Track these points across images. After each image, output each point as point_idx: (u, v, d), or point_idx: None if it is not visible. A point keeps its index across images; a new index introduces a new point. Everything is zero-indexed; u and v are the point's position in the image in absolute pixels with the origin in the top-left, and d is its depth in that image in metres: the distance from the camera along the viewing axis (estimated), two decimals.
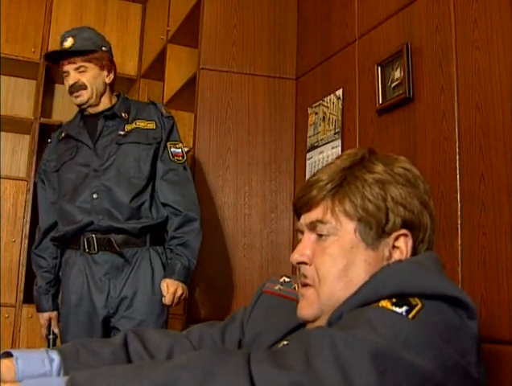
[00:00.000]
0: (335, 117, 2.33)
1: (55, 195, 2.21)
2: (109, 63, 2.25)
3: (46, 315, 2.20)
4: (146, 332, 1.10)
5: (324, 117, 2.41)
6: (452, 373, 0.79)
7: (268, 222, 2.59)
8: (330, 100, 2.38)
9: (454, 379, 0.79)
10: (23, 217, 3.23)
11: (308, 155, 2.50)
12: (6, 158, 3.50)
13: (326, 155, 2.36)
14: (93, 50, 2.18)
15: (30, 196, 3.26)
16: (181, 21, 2.97)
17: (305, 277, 0.98)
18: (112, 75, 2.25)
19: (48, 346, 2.20)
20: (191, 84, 2.76)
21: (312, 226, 0.98)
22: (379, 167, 0.97)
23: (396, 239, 0.95)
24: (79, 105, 2.22)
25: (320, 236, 0.97)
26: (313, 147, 2.47)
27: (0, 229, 3.18)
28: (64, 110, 3.66)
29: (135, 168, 2.13)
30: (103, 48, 2.23)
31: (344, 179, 0.96)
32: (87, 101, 2.19)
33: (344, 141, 2.25)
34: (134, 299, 2.04)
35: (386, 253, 0.95)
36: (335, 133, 2.31)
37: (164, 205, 2.14)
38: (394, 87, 1.97)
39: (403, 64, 1.91)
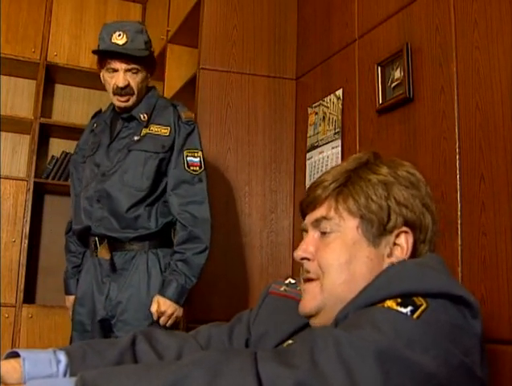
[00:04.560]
0: (335, 117, 2.33)
1: (80, 187, 2.18)
2: (153, 67, 2.15)
3: (71, 298, 2.20)
4: (154, 333, 1.11)
5: (324, 117, 2.41)
6: (457, 372, 0.79)
7: (268, 222, 2.59)
8: (330, 100, 2.38)
9: (458, 378, 0.80)
10: (23, 217, 3.23)
11: (308, 155, 2.50)
12: (6, 158, 3.50)
13: (326, 155, 2.36)
14: (148, 54, 2.08)
15: (30, 196, 3.27)
16: (181, 21, 2.97)
17: (308, 271, 0.99)
18: (150, 78, 2.17)
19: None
20: (191, 84, 2.76)
21: (316, 223, 1.00)
22: (384, 170, 0.99)
23: (397, 236, 0.97)
24: (118, 107, 2.12)
25: (324, 233, 0.99)
26: (313, 147, 2.47)
27: (0, 229, 3.18)
28: (63, 110, 3.67)
29: (137, 177, 2.04)
30: (151, 50, 2.13)
31: (349, 179, 0.99)
32: (129, 106, 2.09)
33: (344, 141, 2.25)
34: (128, 304, 2.00)
35: (388, 251, 0.96)
36: (335, 133, 2.31)
37: (175, 218, 2.06)
38: (394, 87, 1.97)
39: (403, 64, 1.91)
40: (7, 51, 3.36)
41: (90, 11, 3.63)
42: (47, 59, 3.45)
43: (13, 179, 3.29)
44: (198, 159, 2.07)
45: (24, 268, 3.17)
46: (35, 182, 3.28)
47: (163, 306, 1.96)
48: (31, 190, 3.27)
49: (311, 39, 2.59)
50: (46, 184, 3.40)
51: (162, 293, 1.97)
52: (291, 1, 2.75)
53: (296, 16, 2.74)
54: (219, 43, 2.65)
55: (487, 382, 0.86)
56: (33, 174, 3.28)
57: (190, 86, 2.77)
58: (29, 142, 3.44)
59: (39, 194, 3.45)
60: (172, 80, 3.14)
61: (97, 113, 2.31)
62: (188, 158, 2.06)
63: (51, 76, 3.55)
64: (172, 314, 1.97)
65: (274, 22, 2.73)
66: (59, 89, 3.69)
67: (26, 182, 3.28)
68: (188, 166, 2.06)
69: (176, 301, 1.96)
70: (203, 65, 2.63)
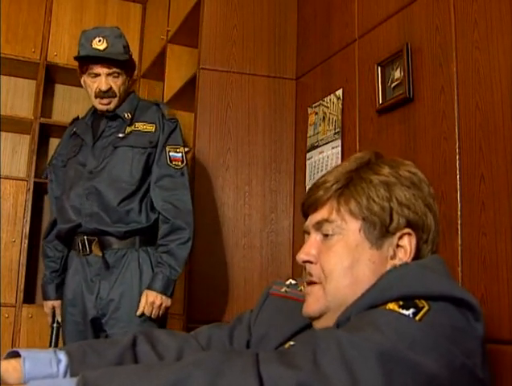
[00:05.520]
0: (335, 117, 2.33)
1: (60, 190, 2.22)
2: (133, 70, 2.24)
3: (49, 304, 2.24)
4: (155, 333, 1.11)
5: (324, 117, 2.41)
6: (459, 374, 0.79)
7: (268, 222, 2.59)
8: (330, 100, 2.38)
9: (460, 380, 0.80)
10: (23, 217, 3.23)
11: (308, 155, 2.50)
12: (6, 158, 3.50)
13: (326, 155, 2.36)
14: (128, 58, 2.17)
15: (30, 196, 3.27)
16: (181, 21, 2.97)
17: (311, 275, 0.99)
18: (130, 80, 2.25)
19: (51, 335, 2.25)
20: (191, 84, 2.76)
21: (318, 226, 0.99)
22: (385, 170, 0.99)
23: (400, 238, 0.96)
24: (100, 110, 2.19)
25: (326, 235, 0.98)
26: (313, 147, 2.47)
27: (0, 229, 3.18)
28: (63, 110, 3.67)
29: (126, 172, 2.09)
30: (130, 53, 2.21)
31: (351, 180, 0.99)
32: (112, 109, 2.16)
33: (344, 141, 2.25)
34: (121, 301, 2.03)
35: (391, 252, 0.96)
36: (335, 133, 2.31)
37: (158, 211, 2.10)
38: (394, 87, 1.97)
39: (403, 64, 1.91)
40: (7, 51, 3.35)
41: (90, 11, 3.62)
42: (47, 59, 3.44)
43: (13, 179, 3.29)
44: (180, 155, 2.14)
45: (24, 268, 3.17)
46: (35, 182, 3.28)
47: (151, 297, 2.00)
48: (31, 190, 3.27)
49: (311, 39, 2.59)
50: (46, 184, 3.38)
51: (149, 286, 2.02)
52: (291, 1, 2.75)
53: (296, 16, 2.74)
54: (219, 43, 2.65)
55: (489, 384, 0.86)
56: (33, 174, 3.28)
57: (190, 86, 2.77)
58: (29, 142, 3.44)
59: (39, 194, 3.44)
60: (172, 80, 3.14)
61: (75, 120, 2.36)
62: (171, 154, 2.13)
63: (51, 76, 3.55)
64: (161, 304, 2.01)
65: (274, 22, 2.73)
66: (59, 89, 3.69)
67: (26, 182, 3.28)
68: (171, 161, 2.12)
69: (163, 293, 2.01)
70: (203, 65, 2.63)
